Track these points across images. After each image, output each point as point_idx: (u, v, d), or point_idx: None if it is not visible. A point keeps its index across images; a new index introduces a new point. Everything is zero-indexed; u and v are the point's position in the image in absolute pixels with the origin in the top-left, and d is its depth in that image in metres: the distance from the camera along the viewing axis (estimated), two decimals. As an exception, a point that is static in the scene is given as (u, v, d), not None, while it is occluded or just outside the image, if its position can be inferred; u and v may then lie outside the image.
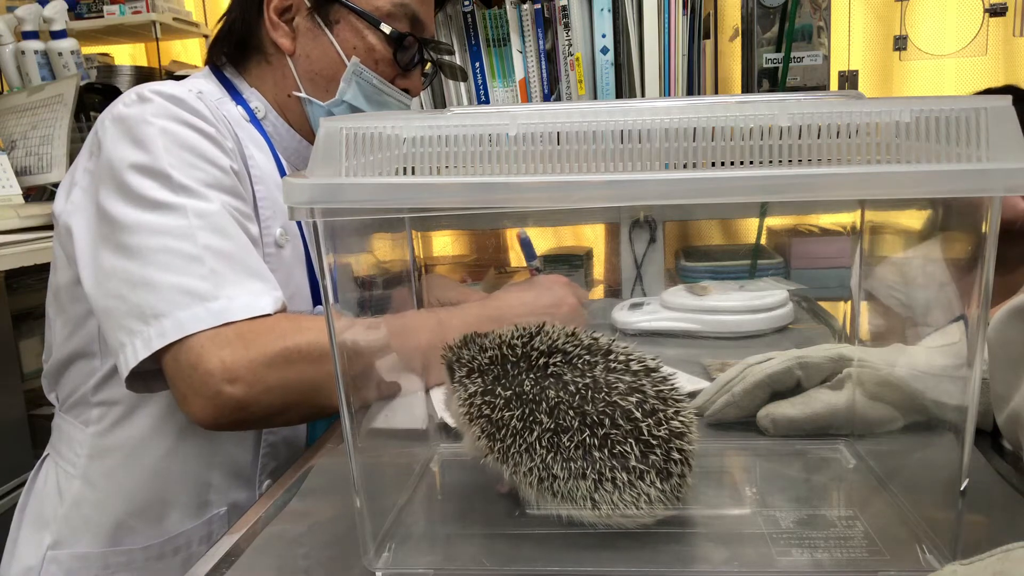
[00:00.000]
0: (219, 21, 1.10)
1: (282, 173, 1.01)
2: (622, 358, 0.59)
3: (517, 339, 0.60)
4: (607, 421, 0.56)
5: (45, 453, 1.05)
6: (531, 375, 0.59)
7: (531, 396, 0.58)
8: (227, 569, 0.59)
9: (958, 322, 0.51)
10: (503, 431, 0.58)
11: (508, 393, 0.59)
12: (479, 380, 0.60)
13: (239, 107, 1.03)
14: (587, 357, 0.58)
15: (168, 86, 0.94)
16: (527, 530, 0.60)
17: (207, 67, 1.09)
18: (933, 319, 0.59)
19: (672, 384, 0.59)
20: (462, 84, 2.01)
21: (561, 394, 0.57)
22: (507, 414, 0.58)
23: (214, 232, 0.85)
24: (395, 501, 0.65)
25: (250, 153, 0.98)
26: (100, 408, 0.97)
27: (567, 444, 0.57)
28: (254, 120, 1.03)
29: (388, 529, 0.61)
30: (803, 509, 0.61)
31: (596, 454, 0.56)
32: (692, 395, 0.83)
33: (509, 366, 0.60)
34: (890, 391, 0.68)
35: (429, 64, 1.12)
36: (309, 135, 1.07)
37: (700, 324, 1.13)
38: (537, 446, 0.57)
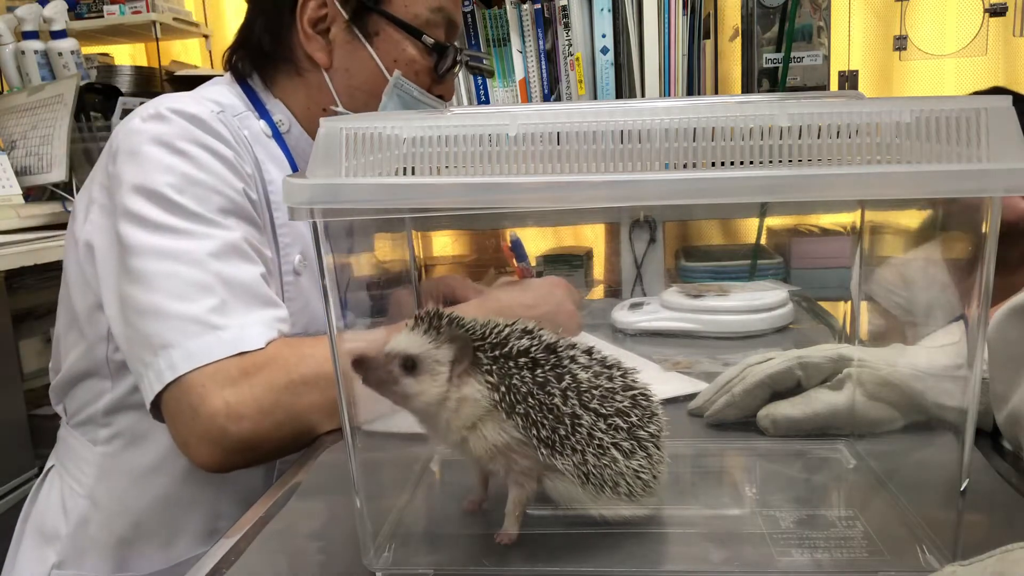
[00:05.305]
0: (241, 26, 1.03)
1: None
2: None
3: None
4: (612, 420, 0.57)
5: (50, 464, 1.02)
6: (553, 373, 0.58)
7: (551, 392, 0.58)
8: (227, 569, 0.59)
9: (958, 322, 0.51)
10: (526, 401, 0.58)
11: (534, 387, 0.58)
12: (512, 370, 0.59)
13: (262, 121, 0.98)
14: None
15: (188, 103, 0.89)
16: (527, 530, 0.60)
17: (228, 74, 1.03)
18: (933, 319, 0.59)
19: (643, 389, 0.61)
20: (462, 84, 2.01)
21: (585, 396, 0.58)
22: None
23: (226, 260, 0.82)
24: (395, 501, 0.65)
25: (270, 176, 0.94)
26: (109, 429, 0.95)
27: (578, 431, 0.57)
28: (276, 135, 0.98)
29: (388, 529, 0.61)
30: (803, 509, 0.61)
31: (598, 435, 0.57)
32: (690, 396, 0.83)
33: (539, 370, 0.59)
34: (890, 391, 0.68)
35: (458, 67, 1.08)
36: None
37: (700, 324, 1.13)
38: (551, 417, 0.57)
